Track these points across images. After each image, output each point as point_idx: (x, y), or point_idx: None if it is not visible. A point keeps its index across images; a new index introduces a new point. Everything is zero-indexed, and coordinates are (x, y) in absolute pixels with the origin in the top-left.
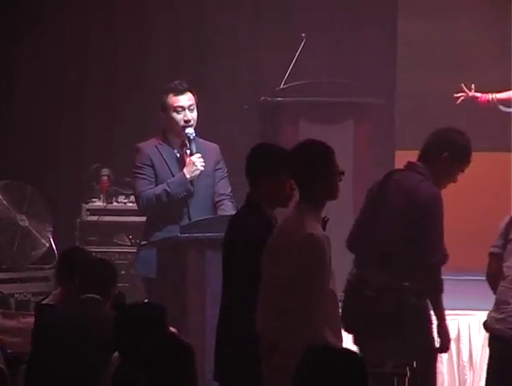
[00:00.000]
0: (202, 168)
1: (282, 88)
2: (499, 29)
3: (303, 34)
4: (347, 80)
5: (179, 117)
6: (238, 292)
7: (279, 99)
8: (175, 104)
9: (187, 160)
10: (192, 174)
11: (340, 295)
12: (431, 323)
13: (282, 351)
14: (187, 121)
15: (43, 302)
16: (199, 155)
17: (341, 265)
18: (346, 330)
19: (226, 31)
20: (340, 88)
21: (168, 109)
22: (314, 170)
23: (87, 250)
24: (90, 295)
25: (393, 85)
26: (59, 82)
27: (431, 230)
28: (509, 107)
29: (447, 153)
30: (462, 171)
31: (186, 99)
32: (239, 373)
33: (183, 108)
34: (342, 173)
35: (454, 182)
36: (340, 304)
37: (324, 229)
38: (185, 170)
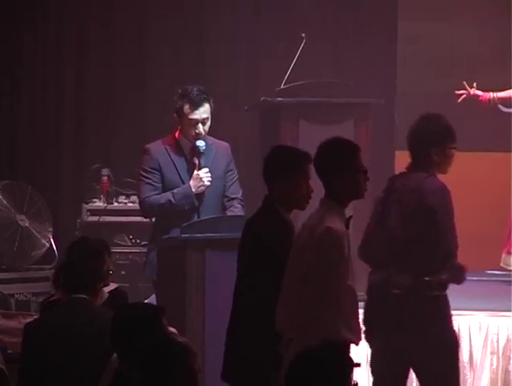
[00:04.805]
0: (208, 183)
1: (282, 89)
2: (500, 28)
3: (303, 35)
4: (347, 80)
5: (191, 128)
6: (256, 294)
7: (279, 99)
8: (190, 117)
9: (195, 173)
10: (198, 189)
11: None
12: (451, 317)
13: (297, 344)
14: (197, 134)
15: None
16: (206, 170)
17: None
18: (368, 330)
19: (226, 31)
20: (340, 88)
21: (183, 118)
22: (338, 167)
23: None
24: (77, 295)
25: (393, 85)
26: (59, 82)
27: (443, 223)
28: (510, 106)
29: (434, 148)
30: (455, 148)
31: (202, 112)
32: (259, 376)
33: (197, 122)
34: (366, 171)
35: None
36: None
37: (347, 227)
38: (191, 183)
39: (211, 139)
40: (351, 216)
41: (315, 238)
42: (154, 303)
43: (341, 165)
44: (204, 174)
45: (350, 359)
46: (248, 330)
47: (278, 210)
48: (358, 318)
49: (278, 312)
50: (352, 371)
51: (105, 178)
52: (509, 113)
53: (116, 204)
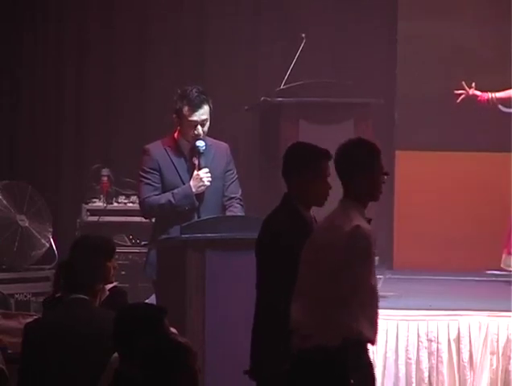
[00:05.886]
0: (208, 183)
1: (282, 89)
2: (500, 29)
3: (303, 35)
4: (347, 80)
5: (190, 130)
6: (274, 294)
7: (279, 99)
8: (190, 119)
9: (195, 173)
10: (198, 189)
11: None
12: None
13: (315, 342)
14: (197, 135)
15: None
16: (206, 170)
17: None
18: None
19: (226, 30)
20: (340, 88)
21: (182, 119)
22: (358, 168)
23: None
24: (77, 296)
25: (393, 85)
26: (59, 82)
27: None
28: (509, 106)
29: None
30: None
31: (201, 114)
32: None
33: (197, 124)
34: (386, 174)
35: None
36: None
37: None
38: (192, 183)
39: (210, 140)
40: (371, 219)
41: (343, 236)
42: (154, 303)
43: (362, 166)
44: (204, 174)
45: (368, 358)
46: (267, 330)
47: (296, 207)
48: (378, 318)
49: (293, 310)
50: (372, 371)
51: (105, 178)
52: (509, 113)
53: (116, 204)
